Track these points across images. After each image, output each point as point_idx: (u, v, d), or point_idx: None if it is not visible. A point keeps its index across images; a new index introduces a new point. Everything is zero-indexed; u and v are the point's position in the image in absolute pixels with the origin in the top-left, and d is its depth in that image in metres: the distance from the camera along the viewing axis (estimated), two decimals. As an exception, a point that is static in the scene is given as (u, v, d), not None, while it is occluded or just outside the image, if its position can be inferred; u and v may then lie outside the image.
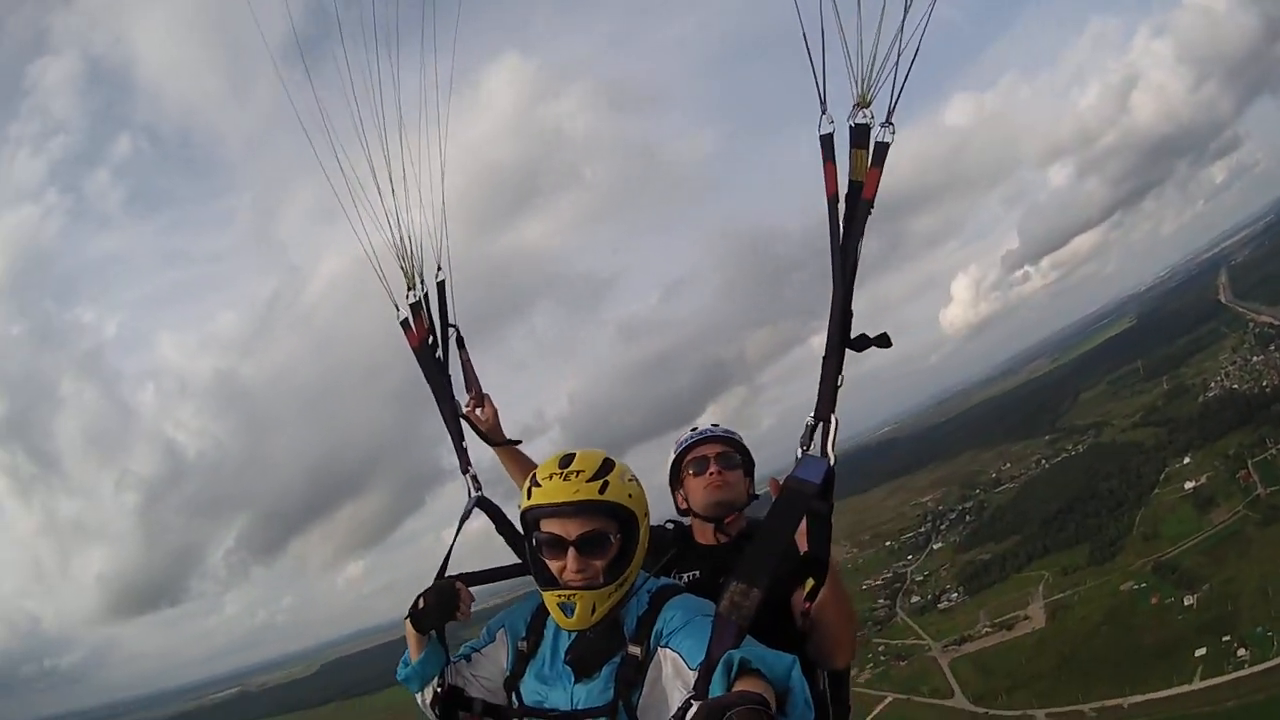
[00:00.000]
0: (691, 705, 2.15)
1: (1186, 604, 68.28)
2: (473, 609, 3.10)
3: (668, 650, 2.43)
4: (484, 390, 4.28)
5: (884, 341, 2.69)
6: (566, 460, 2.72)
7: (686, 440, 3.73)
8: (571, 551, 2.60)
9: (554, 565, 2.64)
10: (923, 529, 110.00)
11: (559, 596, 2.63)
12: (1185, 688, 61.26)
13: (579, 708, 2.59)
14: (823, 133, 2.70)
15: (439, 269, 4.24)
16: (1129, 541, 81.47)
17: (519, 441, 4.16)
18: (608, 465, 2.72)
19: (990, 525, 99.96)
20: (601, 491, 2.62)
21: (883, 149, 2.62)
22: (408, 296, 4.15)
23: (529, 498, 2.70)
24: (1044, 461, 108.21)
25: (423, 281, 4.19)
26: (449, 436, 3.98)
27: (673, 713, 2.27)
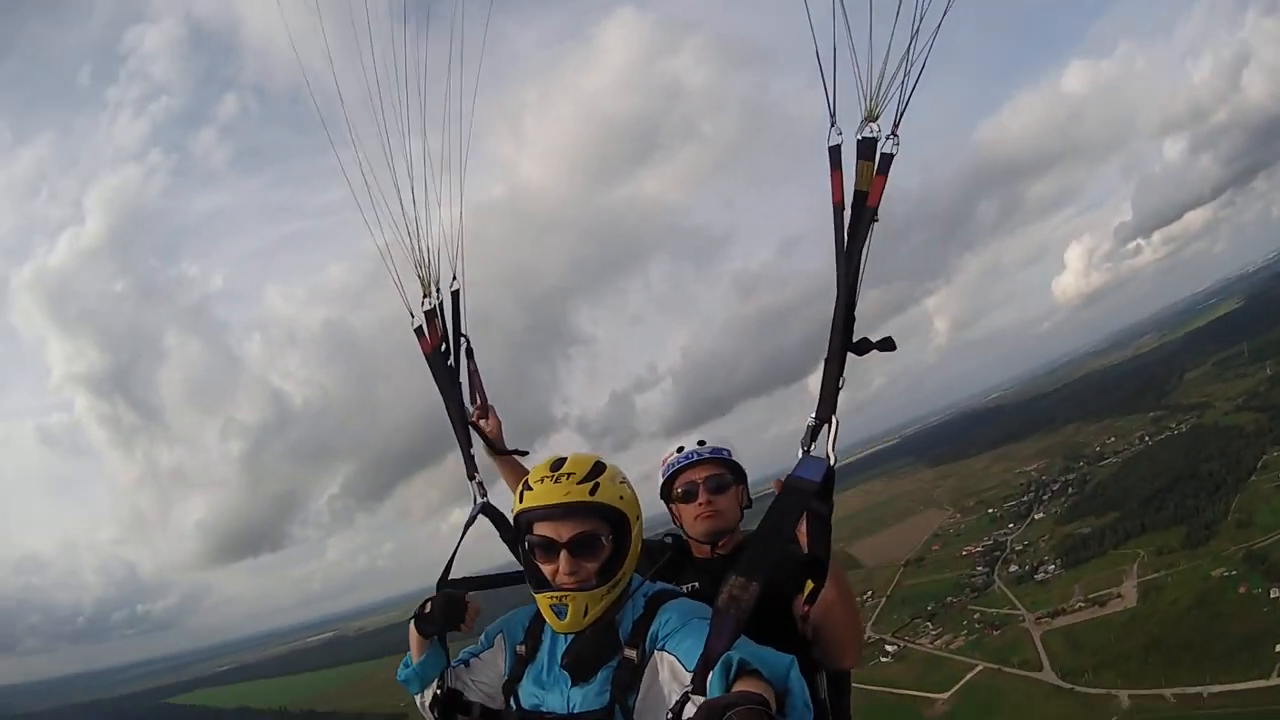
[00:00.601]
0: (689, 700, 2.15)
1: (1273, 596, 66.59)
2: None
3: (664, 653, 2.41)
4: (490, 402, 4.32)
5: (887, 345, 2.72)
6: (558, 464, 2.73)
7: (674, 464, 3.66)
8: (564, 554, 2.59)
9: (547, 568, 2.63)
10: (1025, 498, 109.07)
11: (551, 599, 2.63)
12: (1262, 682, 60.39)
13: (575, 711, 2.59)
14: (831, 144, 2.72)
15: (454, 278, 4.28)
16: (1223, 527, 79.54)
17: (524, 452, 4.14)
18: (599, 468, 2.71)
19: (1091, 499, 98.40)
20: (592, 493, 2.62)
21: (887, 160, 2.67)
22: (423, 304, 4.18)
23: (521, 501, 2.70)
24: (1147, 438, 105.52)
25: (438, 290, 4.23)
26: (457, 443, 4.02)
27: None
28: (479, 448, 4.09)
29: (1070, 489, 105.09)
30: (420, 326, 4.17)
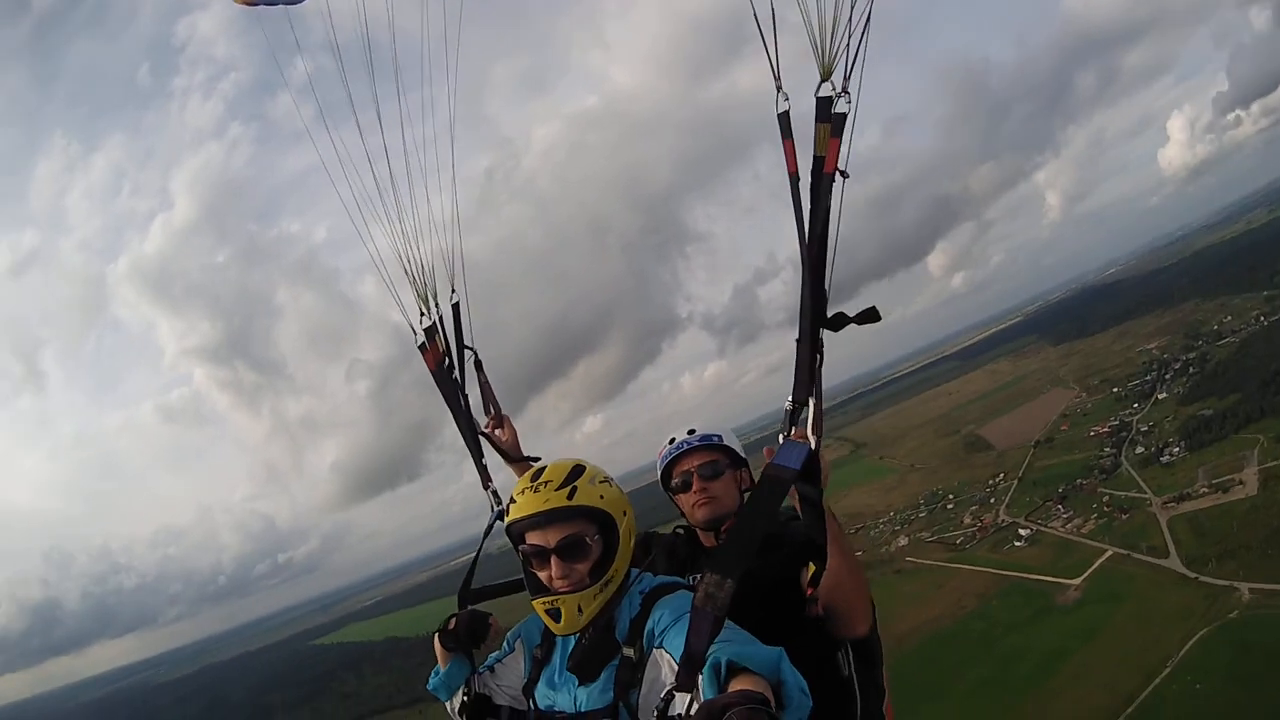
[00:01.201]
0: (674, 697, 2.22)
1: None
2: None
3: (662, 651, 2.47)
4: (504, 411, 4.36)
5: (869, 316, 2.63)
6: (537, 474, 2.83)
7: (667, 456, 3.67)
8: (554, 559, 2.70)
9: (542, 574, 2.74)
10: (1148, 377, 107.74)
11: (544, 603, 2.74)
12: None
13: (583, 710, 2.68)
14: (779, 110, 2.60)
15: (453, 291, 4.30)
16: (1343, 413, 76.08)
17: (538, 459, 4.04)
18: (575, 472, 2.80)
19: (1212, 379, 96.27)
20: (570, 498, 2.71)
21: (841, 119, 2.54)
22: (422, 320, 4.23)
23: (508, 515, 2.83)
24: (1262, 318, 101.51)
25: (437, 305, 4.27)
26: (469, 454, 4.07)
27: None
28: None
29: (1191, 368, 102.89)
30: (423, 343, 4.22)
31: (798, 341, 2.66)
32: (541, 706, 2.88)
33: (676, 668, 2.31)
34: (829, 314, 2.63)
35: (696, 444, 3.60)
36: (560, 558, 2.70)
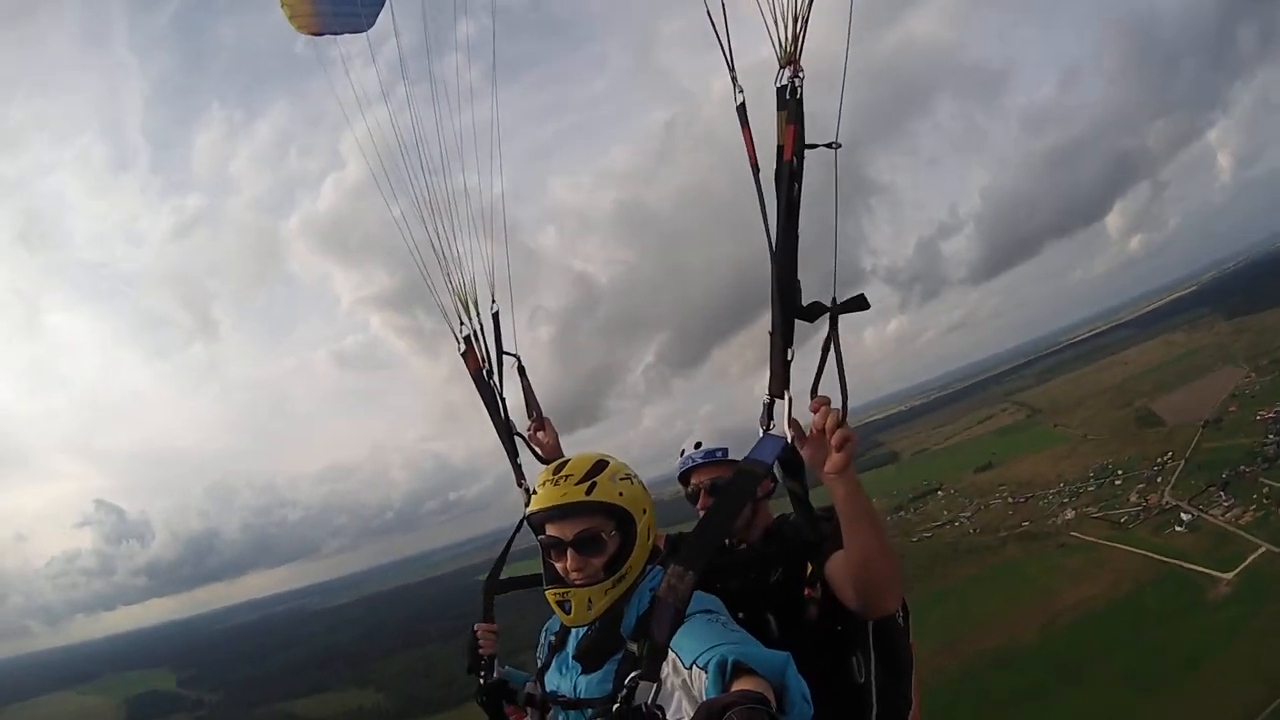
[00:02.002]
0: (638, 685, 2.29)
1: None
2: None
3: (668, 650, 2.42)
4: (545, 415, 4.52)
5: (855, 304, 2.59)
6: (559, 467, 2.91)
7: (680, 467, 3.77)
8: (570, 551, 2.78)
9: (559, 566, 2.83)
10: None
11: (555, 595, 2.81)
12: None
13: (582, 696, 2.77)
14: (737, 103, 2.63)
15: (493, 301, 4.45)
16: None
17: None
18: (598, 467, 2.86)
19: None
20: (589, 493, 2.77)
21: (794, 105, 2.52)
22: (461, 328, 4.41)
23: (527, 506, 2.91)
24: None
25: (478, 312, 4.42)
26: (506, 455, 4.24)
27: (671, 711, 2.30)
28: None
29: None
30: (464, 351, 4.36)
31: (770, 334, 2.64)
32: (549, 689, 2.97)
33: (680, 667, 2.31)
34: (804, 304, 2.62)
35: (700, 460, 3.66)
36: (576, 551, 2.78)
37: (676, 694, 2.34)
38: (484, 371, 4.47)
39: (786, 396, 2.68)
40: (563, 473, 2.88)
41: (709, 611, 2.55)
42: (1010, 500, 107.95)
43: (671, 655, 2.39)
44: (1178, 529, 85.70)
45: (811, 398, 2.67)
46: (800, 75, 2.55)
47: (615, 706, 2.33)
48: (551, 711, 3.00)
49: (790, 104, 2.55)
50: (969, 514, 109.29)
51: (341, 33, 4.99)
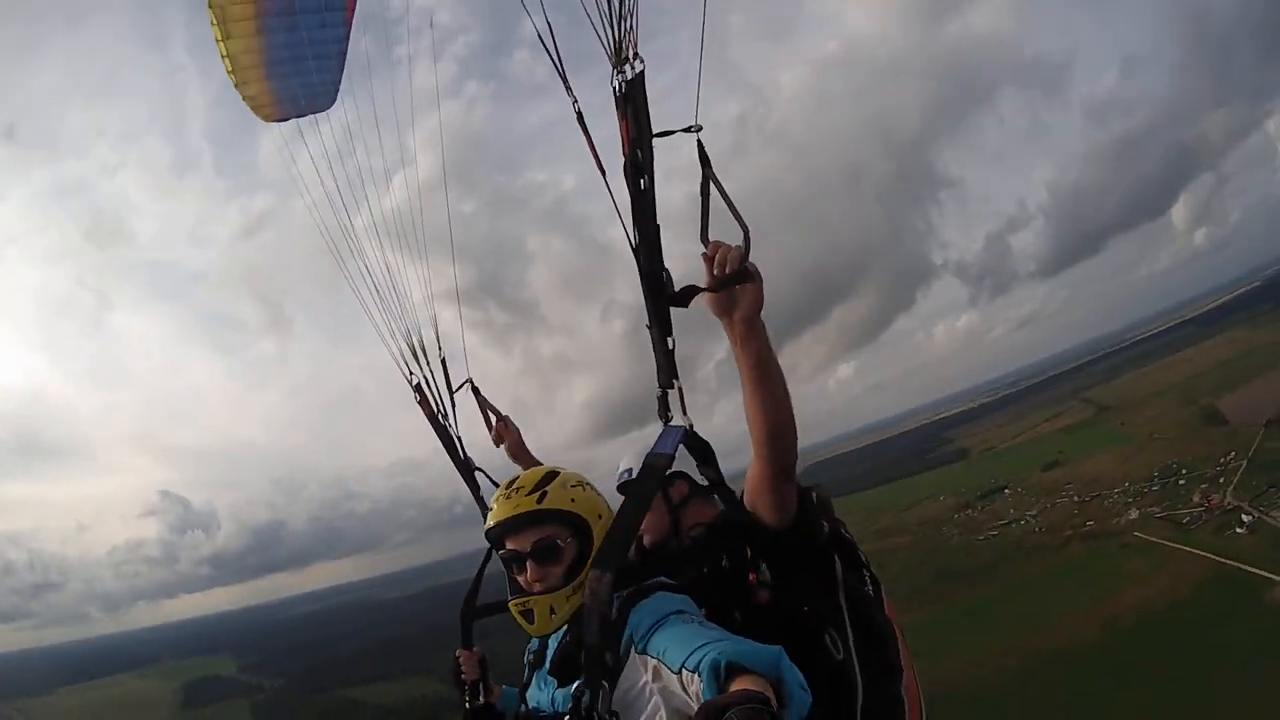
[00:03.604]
0: (584, 694, 2.24)
1: None
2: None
3: (646, 656, 2.42)
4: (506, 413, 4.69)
5: (735, 279, 2.47)
6: (511, 482, 2.92)
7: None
8: (529, 562, 2.77)
9: (520, 579, 2.81)
10: None
11: (518, 605, 2.79)
12: None
13: (560, 710, 2.72)
14: (575, 112, 2.67)
15: (439, 348, 4.55)
16: None
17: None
18: (547, 478, 2.88)
19: None
20: (539, 501, 2.78)
21: (622, 101, 2.53)
22: (411, 378, 4.58)
23: (485, 524, 2.90)
24: None
25: (428, 360, 4.56)
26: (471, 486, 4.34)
27: (644, 716, 2.34)
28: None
29: None
30: (417, 396, 4.51)
31: (648, 327, 2.62)
32: (531, 705, 2.95)
33: (664, 673, 2.30)
34: (675, 289, 2.59)
35: (618, 484, 3.68)
36: (535, 561, 2.76)
37: (654, 699, 2.38)
38: (438, 415, 4.65)
39: (676, 385, 2.67)
40: (514, 486, 2.89)
41: (681, 612, 2.57)
42: (1076, 499, 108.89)
43: (652, 661, 2.40)
44: (1238, 530, 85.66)
45: (704, 244, 2.59)
46: (634, 70, 2.57)
47: (566, 717, 2.29)
48: None
49: (619, 102, 2.58)
50: (1035, 513, 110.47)
51: (305, 115, 5.08)
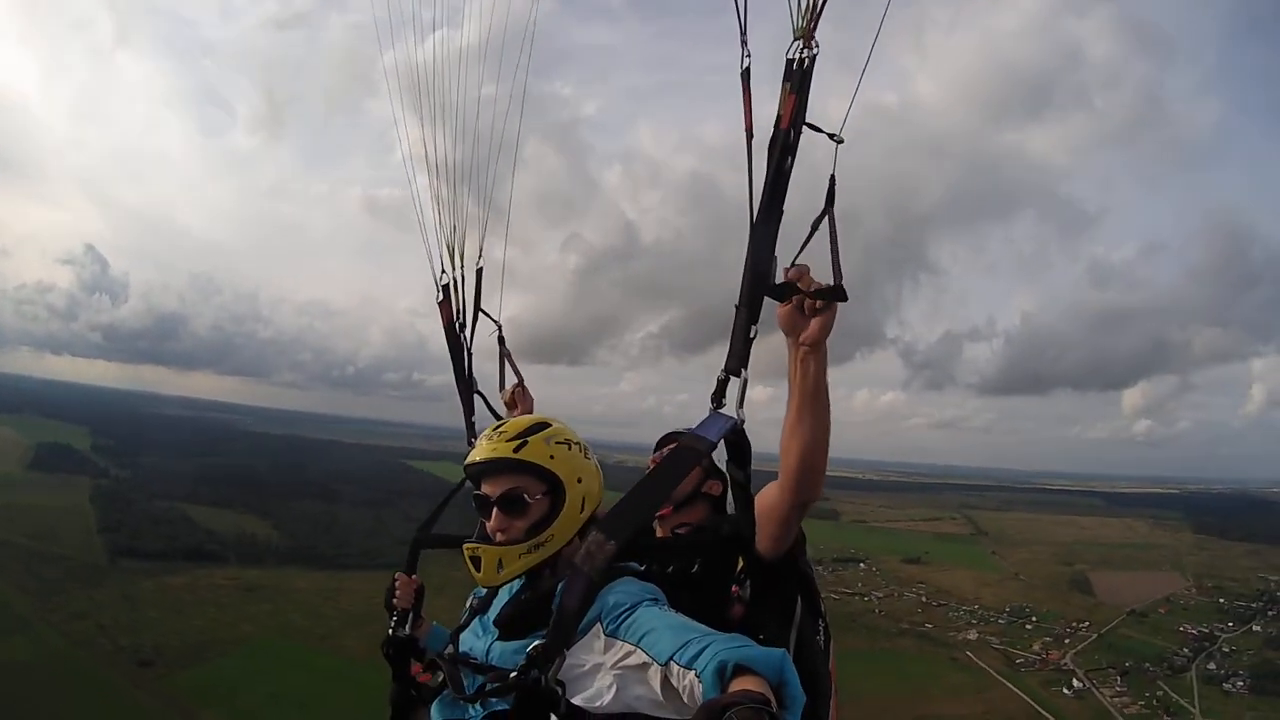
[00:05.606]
0: (538, 654, 2.16)
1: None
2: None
3: (614, 639, 2.29)
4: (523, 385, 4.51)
5: (832, 293, 2.42)
6: (499, 424, 2.80)
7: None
8: (495, 510, 2.65)
9: (487, 524, 2.70)
10: (1255, 604, 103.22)
11: (470, 549, 2.67)
12: None
13: (493, 663, 2.61)
14: (742, 68, 2.54)
15: (480, 254, 4.29)
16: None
17: None
18: (535, 428, 2.72)
19: None
20: (516, 450, 2.63)
21: (800, 74, 2.43)
22: (442, 276, 4.32)
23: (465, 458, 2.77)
24: None
25: (463, 263, 4.27)
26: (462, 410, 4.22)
27: (589, 692, 2.23)
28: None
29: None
30: (441, 299, 4.31)
31: (736, 307, 2.46)
32: (461, 649, 2.82)
33: (642, 656, 2.19)
34: (777, 283, 2.48)
35: (677, 432, 3.63)
36: (500, 510, 2.65)
37: (602, 682, 2.25)
38: (456, 325, 4.43)
39: (743, 374, 2.47)
40: (500, 429, 2.76)
41: (655, 600, 2.45)
42: (924, 599, 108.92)
43: (623, 645, 2.27)
44: (1065, 691, 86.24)
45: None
46: (814, 50, 2.45)
47: (513, 675, 2.22)
48: (461, 673, 2.79)
49: (796, 75, 2.45)
50: (881, 594, 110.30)
51: None
